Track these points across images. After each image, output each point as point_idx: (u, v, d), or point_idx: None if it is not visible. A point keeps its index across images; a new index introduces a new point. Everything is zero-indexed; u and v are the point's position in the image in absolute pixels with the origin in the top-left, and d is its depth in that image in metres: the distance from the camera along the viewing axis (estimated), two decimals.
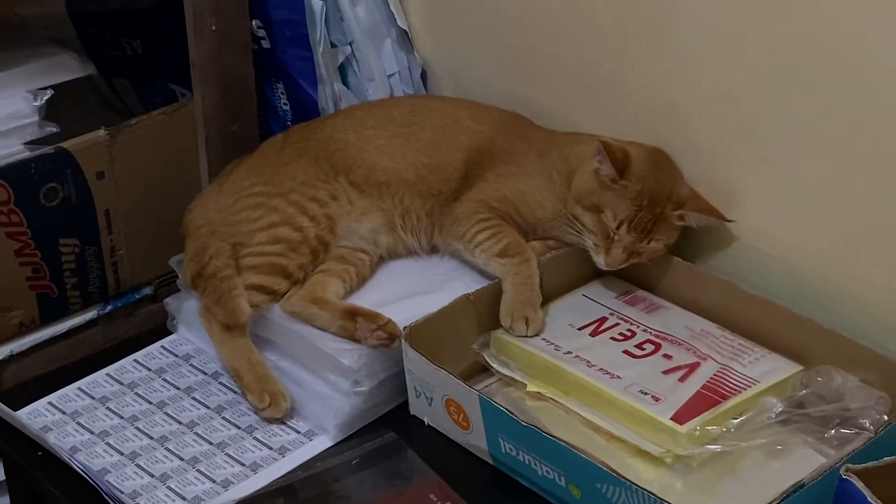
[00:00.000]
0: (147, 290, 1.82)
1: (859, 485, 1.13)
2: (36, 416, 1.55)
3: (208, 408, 1.56)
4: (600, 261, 1.54)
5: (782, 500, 1.27)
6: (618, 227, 1.52)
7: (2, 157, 1.67)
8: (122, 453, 1.49)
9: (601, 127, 1.62)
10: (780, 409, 1.41)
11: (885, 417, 1.37)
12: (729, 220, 1.55)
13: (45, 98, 1.71)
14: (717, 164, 1.57)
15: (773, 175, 1.53)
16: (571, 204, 1.56)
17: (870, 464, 1.16)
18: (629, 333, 1.54)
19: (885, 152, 1.42)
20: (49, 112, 1.73)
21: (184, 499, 1.43)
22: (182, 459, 1.48)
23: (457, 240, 1.60)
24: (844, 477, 1.15)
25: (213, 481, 1.45)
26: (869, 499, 1.12)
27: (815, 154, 1.48)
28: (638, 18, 1.58)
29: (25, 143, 1.70)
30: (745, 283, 1.55)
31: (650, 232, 1.53)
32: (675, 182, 1.56)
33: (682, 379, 1.45)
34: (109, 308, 1.79)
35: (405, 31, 1.85)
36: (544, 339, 1.52)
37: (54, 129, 1.73)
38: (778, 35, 1.46)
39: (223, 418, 1.54)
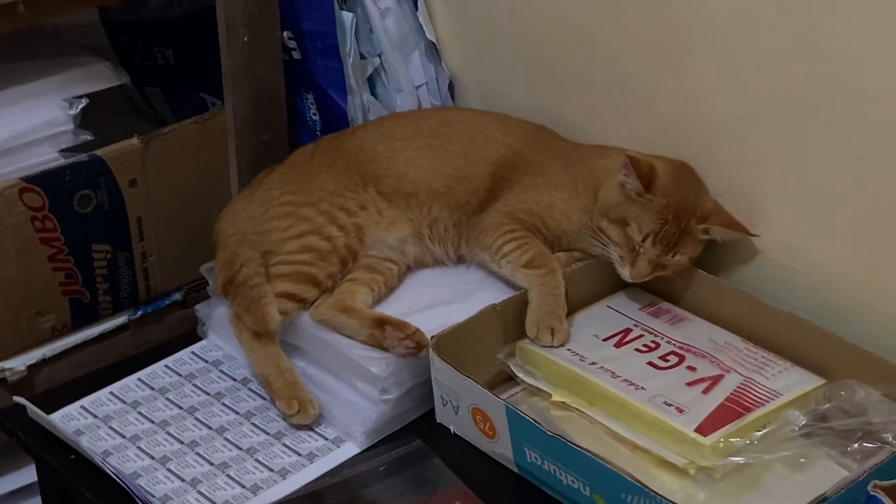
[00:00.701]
0: (177, 296, 1.83)
1: (887, 501, 1.13)
2: (69, 419, 1.56)
3: (238, 413, 1.57)
4: (625, 273, 1.54)
5: None
6: (643, 240, 1.52)
7: (37, 164, 1.68)
8: (153, 457, 1.50)
9: (628, 141, 1.63)
10: (803, 423, 1.40)
11: None
12: (753, 235, 1.55)
13: (80, 107, 1.72)
14: (742, 179, 1.57)
15: (797, 190, 1.53)
16: (597, 217, 1.56)
17: None
18: (653, 345, 1.54)
19: None
20: (83, 120, 1.74)
21: (213, 503, 1.44)
22: (212, 464, 1.49)
23: (483, 250, 1.60)
24: (871, 493, 1.15)
25: (243, 486, 1.46)
26: None
27: (839, 170, 1.48)
28: (668, 35, 1.59)
29: (60, 151, 1.71)
30: (769, 297, 1.55)
31: (675, 245, 1.53)
32: (699, 196, 1.56)
33: (705, 391, 1.46)
34: (140, 313, 1.81)
35: (433, 43, 1.85)
36: (569, 350, 1.52)
37: (89, 137, 1.74)
38: (803, 53, 1.46)
39: (252, 424, 1.55)
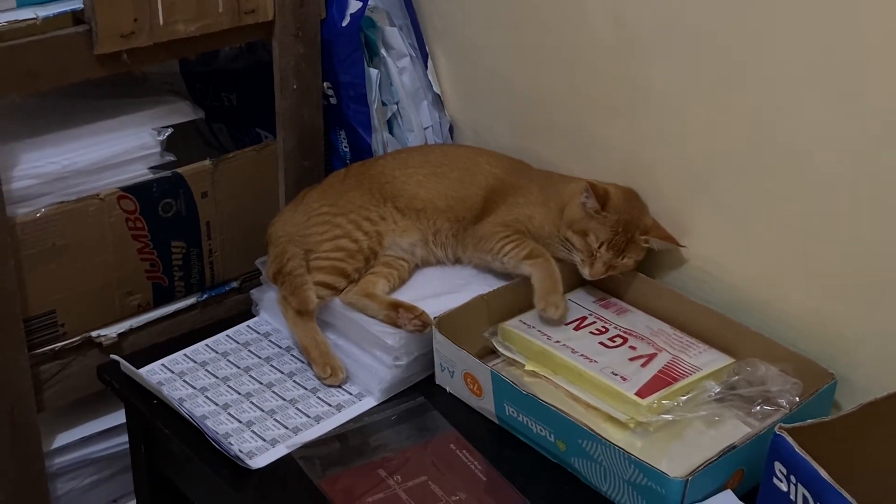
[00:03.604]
0: (234, 284, 1.83)
1: (789, 438, 1.14)
2: (152, 374, 1.58)
3: (282, 373, 1.59)
4: (585, 272, 1.56)
5: (718, 459, 1.29)
6: (599, 247, 1.55)
7: (132, 178, 1.69)
8: (216, 404, 1.52)
9: (589, 173, 1.65)
10: (717, 391, 1.43)
11: (797, 399, 1.39)
12: (681, 245, 1.58)
13: (166, 134, 1.72)
14: (675, 205, 1.59)
15: (717, 214, 1.55)
16: (563, 229, 1.58)
17: (796, 423, 1.17)
18: (604, 329, 1.56)
19: (799, 200, 1.45)
20: (168, 145, 1.74)
21: (264, 440, 1.45)
22: (262, 411, 1.51)
23: (485, 253, 1.60)
24: (778, 433, 1.16)
25: (286, 428, 1.48)
26: (796, 449, 1.14)
27: (748, 199, 1.50)
28: (619, 95, 1.61)
29: (150, 168, 1.72)
30: (693, 295, 1.57)
31: (623, 251, 1.55)
32: (642, 214, 1.58)
33: (643, 365, 1.48)
34: (206, 296, 1.80)
35: (439, 94, 1.87)
36: (539, 331, 1.54)
37: (172, 158, 1.74)
38: (726, 113, 1.48)
39: (294, 381, 1.57)
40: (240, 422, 1.49)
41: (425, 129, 1.88)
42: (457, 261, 1.69)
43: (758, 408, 1.40)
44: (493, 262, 1.61)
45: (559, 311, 1.51)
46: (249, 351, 1.64)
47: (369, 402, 1.53)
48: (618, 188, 1.60)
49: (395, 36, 1.82)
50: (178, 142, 1.78)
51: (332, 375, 1.55)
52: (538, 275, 1.55)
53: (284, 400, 1.53)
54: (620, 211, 1.56)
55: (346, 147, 1.89)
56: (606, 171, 1.65)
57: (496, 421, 1.48)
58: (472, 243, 1.63)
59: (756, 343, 1.48)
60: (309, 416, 1.50)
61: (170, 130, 1.74)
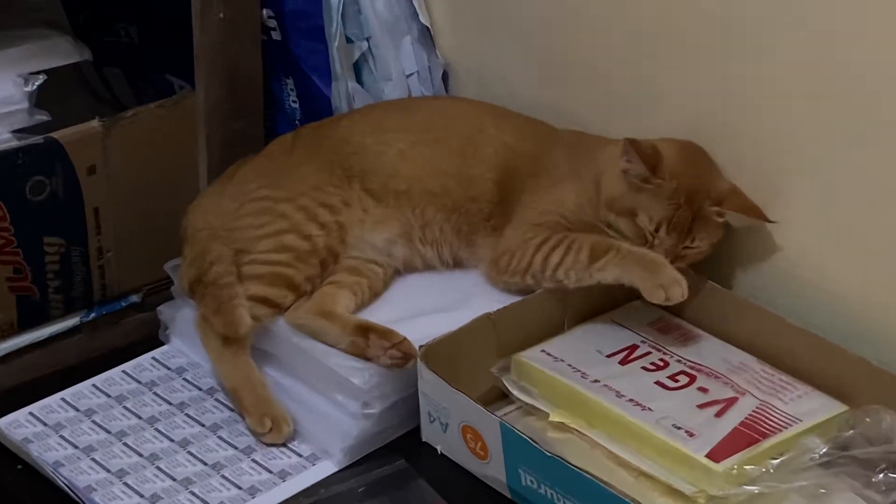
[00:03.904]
0: (135, 298, 1.83)
1: None
2: (16, 426, 1.57)
3: (203, 425, 1.59)
4: None
5: None
6: (656, 230, 1.55)
7: None
8: (108, 470, 1.52)
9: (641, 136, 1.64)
10: (823, 451, 1.43)
11: None
12: (771, 221, 1.57)
13: (37, 83, 1.72)
14: (762, 187, 1.60)
15: (823, 200, 1.57)
16: (603, 211, 1.59)
17: None
18: (661, 363, 1.57)
19: None
20: (39, 99, 1.74)
21: None
22: (174, 480, 1.51)
23: (519, 275, 1.60)
24: None
25: None
26: None
27: (871, 181, 1.51)
28: (688, 28, 1.62)
29: (13, 132, 1.71)
30: (789, 315, 1.58)
31: (691, 232, 1.55)
32: (712, 176, 1.59)
33: (718, 414, 1.49)
34: (94, 315, 1.80)
35: (427, 27, 1.88)
36: (570, 366, 1.55)
37: (45, 118, 1.74)
38: (842, 52, 1.50)
39: (219, 437, 1.57)
40: (141, 496, 1.49)
41: (408, 76, 1.89)
42: (455, 264, 1.70)
43: (881, 476, 1.41)
44: (541, 282, 1.60)
45: (683, 286, 1.50)
46: (155, 394, 1.64)
47: (327, 468, 1.53)
48: (672, 143, 1.60)
49: None
50: (55, 94, 1.78)
51: (273, 430, 1.55)
52: (626, 269, 1.53)
53: (206, 464, 1.54)
54: (679, 174, 1.56)
55: (294, 101, 1.90)
56: (665, 134, 1.65)
57: (508, 494, 1.48)
58: (493, 263, 1.64)
59: (879, 383, 1.48)
60: (240, 488, 1.50)
61: (42, 78, 1.73)
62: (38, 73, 1.73)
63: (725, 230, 1.59)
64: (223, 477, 1.52)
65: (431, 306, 1.63)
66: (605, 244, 1.56)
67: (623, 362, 1.57)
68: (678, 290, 1.51)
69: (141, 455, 1.55)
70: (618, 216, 1.57)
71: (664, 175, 1.55)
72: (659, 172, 1.55)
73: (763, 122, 1.60)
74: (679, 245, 1.56)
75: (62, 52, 1.78)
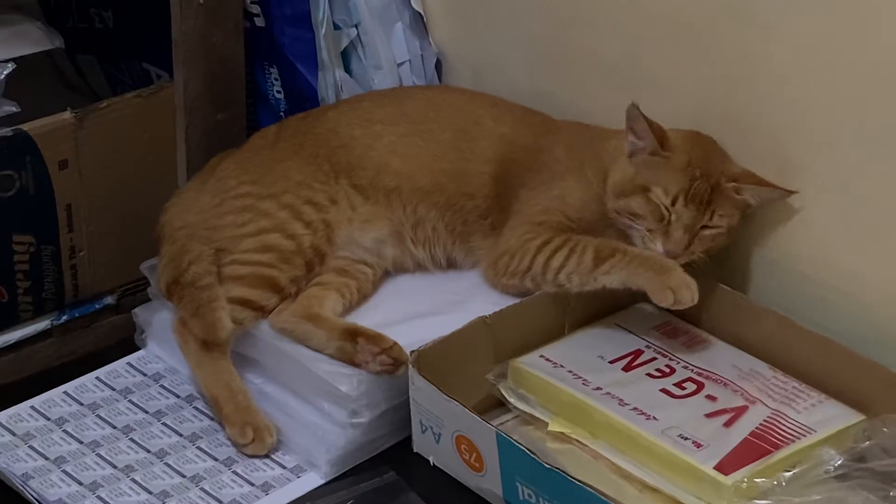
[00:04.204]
0: (110, 300, 1.83)
1: None
2: None
3: (181, 435, 1.59)
4: (658, 247, 1.55)
5: None
6: (673, 203, 1.54)
7: None
8: (81, 483, 1.52)
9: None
10: (838, 463, 1.43)
11: None
12: (791, 192, 1.56)
13: (5, 72, 1.72)
14: (774, 179, 1.59)
15: (841, 197, 1.57)
16: (611, 199, 1.59)
17: None
18: (668, 370, 1.57)
19: None
20: (7, 89, 1.74)
21: None
22: (150, 493, 1.51)
23: (518, 277, 1.61)
24: None
25: None
26: None
27: (891, 177, 1.52)
28: (699, 15, 1.62)
29: None
30: (802, 319, 1.58)
31: (710, 204, 1.55)
32: (724, 159, 1.60)
33: (727, 424, 1.49)
34: (66, 318, 1.80)
35: (420, 14, 1.88)
36: (571, 372, 1.55)
37: (14, 109, 1.74)
38: (861, 44, 1.50)
39: (198, 448, 1.57)
40: None
41: (399, 65, 1.89)
42: (449, 265, 1.70)
43: None
44: (542, 286, 1.60)
45: (693, 289, 1.51)
46: (131, 402, 1.64)
47: (313, 480, 1.53)
48: (678, 130, 1.61)
49: None
50: (25, 84, 1.77)
51: (255, 441, 1.55)
52: (633, 271, 1.54)
53: (184, 477, 1.53)
54: (689, 151, 1.57)
55: (279, 92, 1.90)
56: (671, 127, 1.64)
57: None
58: (491, 264, 1.64)
59: None
60: (220, 502, 1.50)
61: (11, 66, 1.73)
62: (6, 61, 1.73)
63: (742, 218, 1.59)
64: (202, 490, 1.52)
65: (423, 309, 1.63)
66: (610, 247, 1.56)
67: (627, 368, 1.57)
68: (688, 293, 1.51)
69: (115, 467, 1.54)
70: (629, 197, 1.56)
71: (673, 149, 1.56)
72: (667, 145, 1.56)
73: (775, 115, 1.60)
74: (698, 221, 1.55)
75: (32, 39, 1.79)
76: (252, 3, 1.84)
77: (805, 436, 1.47)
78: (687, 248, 1.55)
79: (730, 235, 1.59)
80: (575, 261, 1.57)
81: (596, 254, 1.56)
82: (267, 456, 1.56)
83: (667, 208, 1.55)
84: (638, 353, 1.60)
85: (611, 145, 1.63)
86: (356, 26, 1.86)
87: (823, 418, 1.50)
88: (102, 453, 1.56)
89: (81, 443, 1.58)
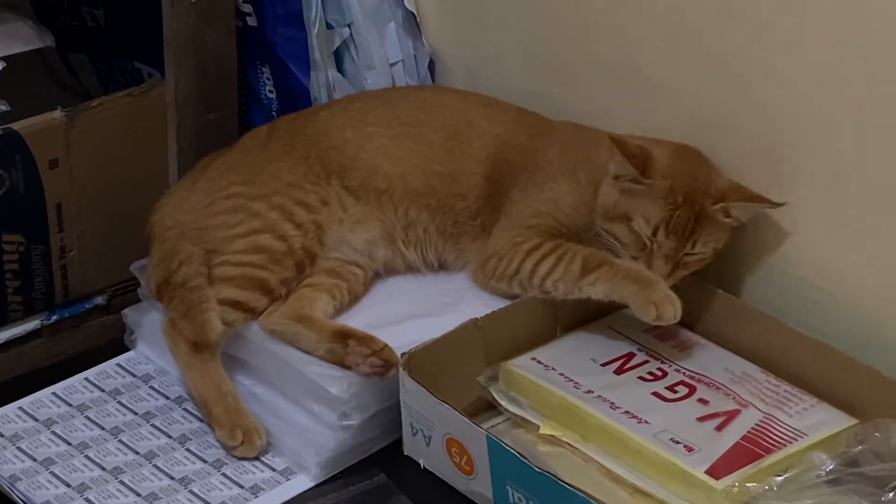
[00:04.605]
0: (99, 300, 1.84)
1: None
2: None
3: (170, 437, 1.59)
4: None
5: None
6: (654, 234, 1.55)
7: None
8: (69, 485, 1.52)
9: (641, 131, 1.65)
10: (830, 467, 1.43)
11: None
12: (778, 204, 1.56)
13: None
14: (771, 185, 1.59)
15: (836, 200, 1.56)
16: (599, 220, 1.59)
17: None
18: (660, 373, 1.57)
19: None
20: None
21: None
22: (139, 495, 1.51)
23: (506, 281, 1.61)
24: None
25: None
26: None
27: (889, 182, 1.51)
28: (697, 14, 1.62)
29: None
30: (795, 322, 1.58)
31: (693, 233, 1.55)
32: (710, 175, 1.58)
33: (719, 427, 1.48)
34: (55, 318, 1.81)
35: (413, 13, 1.88)
36: (562, 375, 1.55)
37: (4, 108, 1.74)
38: (860, 46, 1.49)
39: (187, 450, 1.57)
40: None
41: (392, 65, 1.89)
42: (441, 267, 1.70)
43: (891, 494, 1.41)
44: (528, 290, 1.60)
45: (676, 306, 1.51)
46: (120, 403, 1.64)
47: (303, 483, 1.53)
48: (665, 144, 1.60)
49: None
50: (15, 82, 1.78)
51: (244, 443, 1.55)
52: (617, 284, 1.54)
53: (172, 479, 1.53)
54: (673, 174, 1.56)
55: (270, 91, 1.90)
56: (671, 132, 1.66)
57: None
58: (480, 266, 1.64)
59: (890, 395, 1.48)
60: None
61: (1, 65, 1.75)
62: None
63: (731, 233, 1.59)
64: (191, 492, 1.52)
65: (415, 311, 1.63)
66: (598, 258, 1.56)
67: (618, 371, 1.57)
68: (670, 308, 1.51)
69: (104, 469, 1.54)
70: (613, 222, 1.57)
71: (654, 175, 1.55)
72: (649, 172, 1.55)
73: (772, 119, 1.59)
74: (680, 250, 1.55)
75: (23, 38, 1.79)
76: (244, 2, 1.84)
77: (797, 440, 1.47)
78: (670, 276, 1.55)
79: (714, 256, 1.58)
80: (562, 269, 1.57)
81: (583, 263, 1.56)
82: (256, 458, 1.56)
83: (648, 238, 1.55)
84: (630, 356, 1.60)
85: (603, 155, 1.61)
86: (349, 26, 1.86)
87: (816, 422, 1.50)
88: (91, 455, 1.56)
89: (70, 444, 1.58)
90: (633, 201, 1.56)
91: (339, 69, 1.88)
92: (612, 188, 1.58)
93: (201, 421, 1.61)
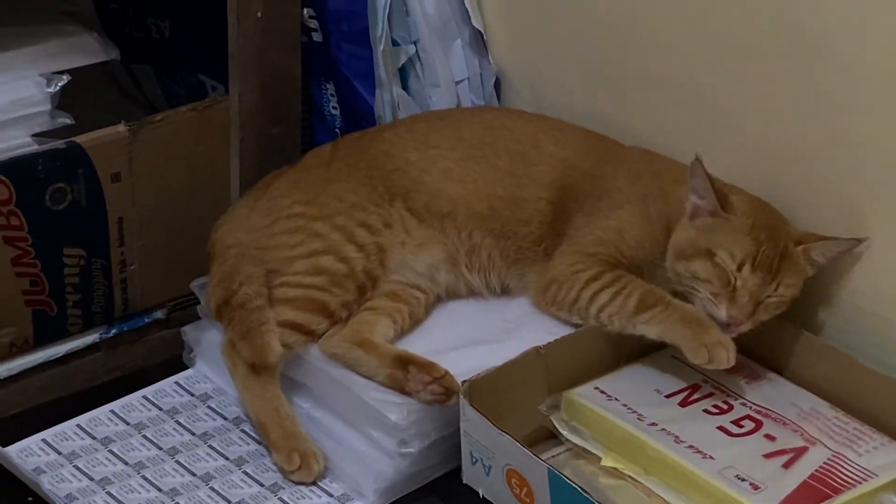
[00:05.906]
0: (159, 314, 1.84)
1: None
2: (27, 454, 1.58)
3: (227, 459, 1.59)
4: (721, 313, 1.52)
5: None
6: (739, 268, 1.52)
7: (5, 149, 1.68)
8: None
9: (706, 163, 1.63)
10: None
11: None
12: (861, 240, 1.55)
13: (59, 84, 1.72)
14: (841, 218, 1.59)
15: None
16: (671, 260, 1.56)
17: None
18: (725, 406, 1.55)
19: None
20: (62, 100, 1.74)
21: None
22: None
23: (565, 309, 1.60)
24: None
25: None
26: None
27: None
28: (769, 43, 1.60)
29: (34, 135, 1.72)
30: (866, 358, 1.57)
31: (778, 273, 1.52)
32: (787, 223, 1.57)
33: (786, 465, 1.47)
34: (114, 331, 1.81)
35: (479, 31, 1.87)
36: (625, 406, 1.54)
37: (68, 121, 1.74)
38: None
39: (244, 473, 1.57)
40: None
41: (458, 83, 1.88)
42: (504, 292, 1.69)
43: None
44: (587, 321, 1.59)
45: (729, 350, 1.49)
46: (178, 423, 1.64)
47: None
48: (739, 191, 1.60)
49: None
50: (80, 95, 1.77)
51: (302, 467, 1.54)
52: (670, 325, 1.52)
53: (229, 502, 1.53)
54: (754, 213, 1.55)
55: (334, 108, 1.89)
56: (737, 161, 1.64)
57: None
58: (541, 291, 1.63)
59: None
60: None
61: (66, 78, 1.73)
62: (60, 73, 1.74)
63: (805, 277, 1.57)
64: None
65: (476, 337, 1.63)
66: (656, 295, 1.55)
67: (683, 404, 1.56)
68: (723, 352, 1.49)
69: (160, 490, 1.54)
70: (691, 260, 1.54)
71: (735, 211, 1.53)
72: (728, 207, 1.53)
73: (849, 149, 1.58)
74: (764, 289, 1.52)
75: (88, 51, 1.79)
76: (310, 17, 1.84)
77: (866, 480, 1.45)
78: (751, 317, 1.52)
79: (790, 304, 1.56)
80: (619, 303, 1.56)
81: (640, 300, 1.55)
82: (314, 483, 1.55)
83: (733, 273, 1.52)
84: (695, 387, 1.58)
85: (680, 193, 1.58)
86: (415, 43, 1.86)
87: (886, 462, 1.48)
88: (147, 475, 1.56)
89: (127, 464, 1.58)
90: (715, 236, 1.53)
91: (405, 86, 1.88)
92: (688, 228, 1.56)
93: (259, 443, 1.60)
